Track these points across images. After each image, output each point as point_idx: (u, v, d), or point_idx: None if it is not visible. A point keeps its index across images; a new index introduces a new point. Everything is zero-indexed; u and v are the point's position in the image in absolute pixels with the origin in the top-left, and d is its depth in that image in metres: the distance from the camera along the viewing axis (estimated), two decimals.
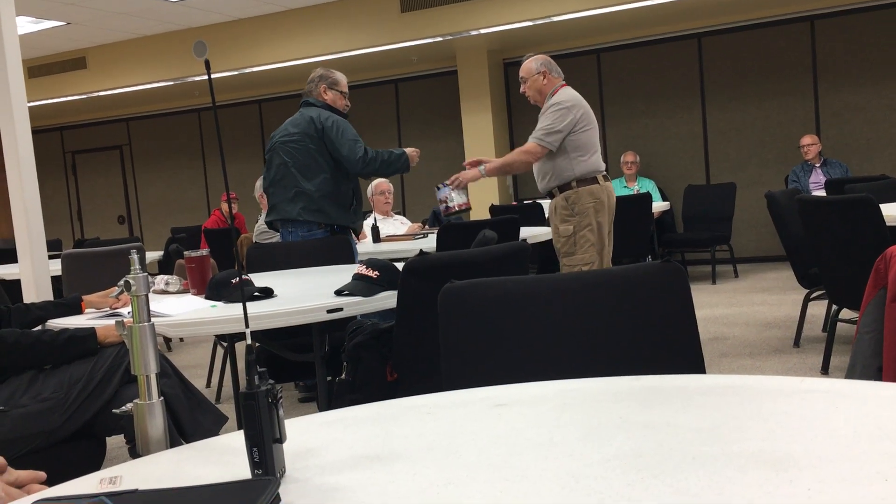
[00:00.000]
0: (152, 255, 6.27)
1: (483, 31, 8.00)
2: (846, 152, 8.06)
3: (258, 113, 11.08)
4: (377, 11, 8.22)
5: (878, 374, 2.16)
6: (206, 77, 9.34)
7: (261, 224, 5.25)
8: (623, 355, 1.48)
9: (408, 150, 4.15)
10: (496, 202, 8.79)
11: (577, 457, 0.90)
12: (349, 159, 3.95)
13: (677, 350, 1.47)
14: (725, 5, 7.94)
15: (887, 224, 3.44)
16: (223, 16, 8.56)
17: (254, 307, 2.28)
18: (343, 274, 2.77)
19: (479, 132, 9.22)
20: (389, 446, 1.00)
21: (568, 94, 4.06)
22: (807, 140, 7.54)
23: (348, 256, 3.78)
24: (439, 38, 8.22)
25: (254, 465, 0.90)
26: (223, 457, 1.03)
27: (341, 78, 4.20)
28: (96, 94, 9.93)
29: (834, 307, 4.12)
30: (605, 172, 4.09)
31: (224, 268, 3.95)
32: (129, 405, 1.24)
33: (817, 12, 8.11)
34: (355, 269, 2.54)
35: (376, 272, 2.43)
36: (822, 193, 5.63)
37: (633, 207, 6.43)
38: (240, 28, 8.79)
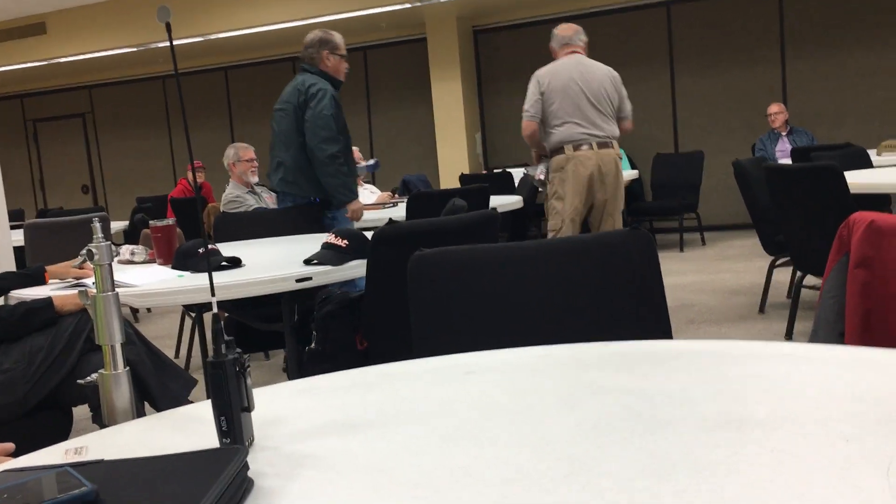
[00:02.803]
0: (118, 225, 6.18)
1: None
2: (812, 121, 8.14)
3: (224, 80, 10.88)
4: None
5: (839, 338, 2.20)
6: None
7: (229, 193, 5.18)
8: (592, 322, 1.49)
9: (353, 205, 3.89)
10: (466, 171, 8.76)
11: (549, 422, 0.90)
12: (314, 148, 3.75)
13: (645, 317, 1.49)
14: None
15: (851, 192, 3.49)
16: None
17: (221, 277, 2.25)
18: (312, 243, 2.76)
19: (449, 101, 9.16)
20: (360, 414, 1.00)
21: (548, 66, 4.22)
22: (774, 108, 7.59)
23: (318, 226, 3.74)
24: (408, 5, 8.12)
25: (222, 433, 0.90)
26: (190, 426, 1.02)
27: (341, 41, 4.03)
28: (57, 60, 9.69)
29: (798, 274, 4.18)
30: (578, 141, 4.09)
31: (191, 237, 3.91)
32: (94, 375, 1.22)
33: None
34: (324, 238, 2.52)
35: (346, 241, 2.42)
36: (788, 162, 5.69)
37: None
38: None
